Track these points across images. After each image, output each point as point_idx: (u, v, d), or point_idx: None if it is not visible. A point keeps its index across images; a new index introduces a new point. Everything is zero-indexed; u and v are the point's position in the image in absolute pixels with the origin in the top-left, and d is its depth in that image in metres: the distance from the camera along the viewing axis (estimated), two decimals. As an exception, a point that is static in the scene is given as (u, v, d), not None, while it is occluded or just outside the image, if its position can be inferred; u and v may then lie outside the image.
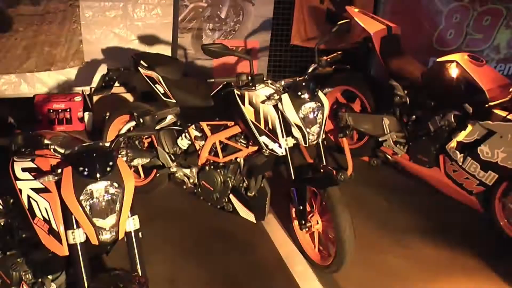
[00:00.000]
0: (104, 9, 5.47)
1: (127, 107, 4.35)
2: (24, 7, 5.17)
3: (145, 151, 4.09)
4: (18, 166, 2.49)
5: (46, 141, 2.34)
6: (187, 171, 3.98)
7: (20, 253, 2.73)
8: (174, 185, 4.24)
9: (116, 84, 4.45)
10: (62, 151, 2.35)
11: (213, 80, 3.55)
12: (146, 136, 4.11)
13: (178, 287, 3.39)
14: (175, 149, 4.09)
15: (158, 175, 4.16)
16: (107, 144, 2.41)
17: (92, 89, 5.61)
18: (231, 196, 3.85)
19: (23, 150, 2.35)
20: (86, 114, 5.48)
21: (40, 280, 2.64)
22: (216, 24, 5.89)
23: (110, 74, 4.35)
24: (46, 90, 5.65)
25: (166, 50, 5.61)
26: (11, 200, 2.77)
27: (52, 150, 2.34)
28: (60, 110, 5.36)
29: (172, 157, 4.03)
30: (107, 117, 4.63)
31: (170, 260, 3.61)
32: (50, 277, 2.63)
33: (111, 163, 2.28)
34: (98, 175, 2.24)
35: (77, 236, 2.34)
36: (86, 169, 2.23)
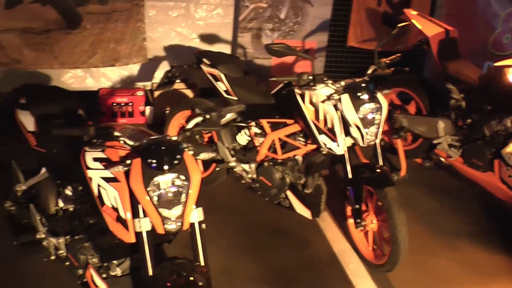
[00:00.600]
0: (167, 9, 5.56)
1: (189, 102, 4.38)
2: (92, 5, 5.31)
3: (205, 146, 4.13)
4: (89, 156, 2.55)
5: (116, 133, 2.38)
6: (245, 166, 4.00)
7: (87, 238, 2.81)
8: (232, 179, 4.28)
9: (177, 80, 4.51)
10: (131, 143, 2.40)
11: (275, 78, 3.55)
12: (206, 131, 4.14)
13: (233, 278, 3.40)
14: (234, 144, 4.11)
15: (217, 169, 4.20)
16: (174, 138, 2.43)
17: (154, 85, 5.71)
18: (288, 192, 3.85)
19: (94, 141, 2.39)
20: (148, 108, 5.56)
21: (105, 264, 2.71)
22: (276, 24, 5.90)
23: (173, 70, 4.40)
24: (110, 84, 5.78)
25: (226, 49, 5.65)
26: (80, 188, 2.85)
27: (122, 142, 2.39)
28: (123, 104, 5.45)
29: (232, 152, 4.05)
30: (167, 111, 4.68)
31: (225, 252, 3.63)
32: (115, 262, 2.68)
33: (178, 156, 2.31)
34: (166, 167, 2.27)
35: (144, 225, 2.38)
36: (155, 161, 2.27)
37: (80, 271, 2.80)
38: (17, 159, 3.49)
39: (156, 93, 5.52)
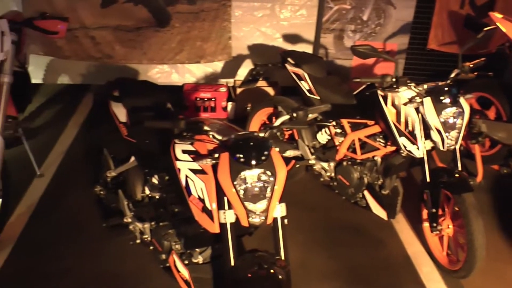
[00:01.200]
0: (253, 9, 5.58)
1: (271, 100, 4.37)
2: (182, 5, 5.42)
3: (286, 143, 4.13)
4: (178, 148, 2.58)
5: (206, 128, 2.40)
6: (324, 164, 3.96)
7: (172, 225, 2.86)
8: (310, 176, 4.24)
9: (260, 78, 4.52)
10: (220, 137, 2.40)
11: (358, 79, 3.49)
12: (288, 129, 4.13)
13: (309, 272, 3.37)
14: (314, 142, 4.08)
15: (297, 166, 4.17)
16: (261, 134, 2.42)
17: (236, 81, 5.74)
18: (365, 192, 3.79)
19: (184, 134, 2.42)
20: (229, 104, 5.60)
21: (188, 251, 2.75)
22: (358, 26, 5.81)
23: (258, 68, 4.42)
24: (194, 80, 5.88)
25: (308, 49, 5.60)
26: (167, 177, 2.90)
27: (211, 136, 2.41)
28: (206, 99, 5.51)
29: (311, 150, 4.02)
30: (248, 107, 4.69)
31: (302, 246, 3.60)
32: (197, 250, 2.72)
33: (265, 153, 2.30)
34: (253, 163, 2.26)
35: (228, 217, 2.39)
36: (243, 157, 2.27)
37: (163, 256, 2.87)
38: (109, 147, 3.60)
39: (238, 90, 5.55)
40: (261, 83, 5.35)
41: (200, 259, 2.69)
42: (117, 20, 5.43)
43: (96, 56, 5.59)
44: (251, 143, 2.32)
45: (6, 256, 3.44)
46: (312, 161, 4.01)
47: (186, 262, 2.69)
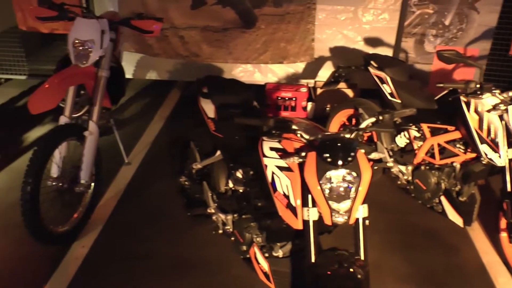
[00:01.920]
0: (336, 12, 5.52)
1: (352, 102, 4.31)
2: (268, 8, 5.45)
3: (365, 144, 4.06)
4: (266, 145, 2.59)
5: (294, 127, 2.39)
6: (402, 167, 3.87)
7: (254, 218, 2.87)
8: (387, 179, 4.15)
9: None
10: (307, 137, 2.39)
11: (442, 84, 3.39)
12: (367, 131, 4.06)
13: (383, 273, 3.31)
14: (392, 145, 3.99)
15: (374, 167, 4.10)
16: (347, 135, 2.39)
17: (317, 82, 5.71)
18: (442, 197, 3.67)
19: (273, 132, 2.42)
20: (309, 104, 5.57)
21: (269, 244, 2.74)
22: (439, 30, 5.62)
23: (340, 70, 4.38)
24: (276, 80, 5.88)
25: (388, 53, 5.50)
26: (251, 172, 2.91)
27: (298, 135, 2.39)
28: (287, 98, 5.50)
29: (390, 153, 3.94)
30: (327, 108, 4.65)
31: (377, 247, 3.53)
32: (278, 244, 2.71)
33: (352, 154, 2.27)
34: (339, 163, 2.24)
35: (311, 214, 2.37)
36: (329, 156, 2.24)
37: (244, 247, 2.89)
38: (196, 140, 3.66)
39: (319, 90, 5.51)
40: (341, 85, 5.27)
41: (280, 253, 2.68)
42: (206, 21, 5.53)
43: (184, 55, 5.71)
44: (338, 144, 2.29)
45: (96, 236, 3.59)
46: (390, 164, 3.92)
47: (266, 255, 2.70)
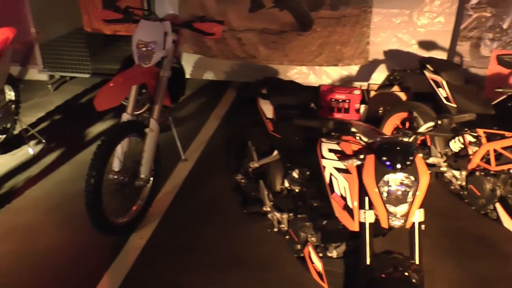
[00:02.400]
0: (392, 15, 5.41)
1: (407, 105, 4.21)
2: (325, 11, 5.40)
3: (419, 148, 3.96)
4: (325, 146, 2.54)
5: (353, 129, 2.34)
6: (456, 172, 3.75)
7: (309, 218, 2.83)
8: (439, 184, 4.03)
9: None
10: (366, 139, 2.34)
11: (501, 89, 3.27)
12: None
13: (434, 278, 3.20)
14: (446, 150, 3.87)
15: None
16: (405, 139, 2.33)
17: (370, 85, 5.61)
18: (497, 204, 3.54)
19: (332, 133, 2.38)
20: (362, 107, 5.47)
21: (323, 244, 2.70)
22: (496, 34, 5.42)
23: (395, 74, 4.29)
24: (330, 82, 5.81)
25: (442, 56, 5.35)
26: (307, 173, 2.87)
27: (357, 137, 2.35)
28: (340, 100, 5.42)
29: (443, 157, 3.83)
30: (380, 111, 4.57)
31: (429, 252, 3.39)
32: (333, 244, 2.66)
33: (411, 158, 2.20)
34: (398, 167, 2.18)
35: (368, 217, 2.32)
36: (388, 160, 2.19)
37: (299, 246, 2.86)
38: (253, 140, 3.65)
39: (372, 93, 5.42)
40: (394, 88, 5.18)
41: (334, 254, 2.64)
42: (263, 23, 5.52)
43: (241, 56, 5.72)
44: (397, 147, 2.23)
45: (153, 228, 3.64)
46: (443, 169, 3.81)
47: (321, 254, 2.66)
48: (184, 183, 4.20)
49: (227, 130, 5.22)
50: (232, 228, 3.62)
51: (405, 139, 2.32)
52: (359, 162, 2.30)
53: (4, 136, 4.66)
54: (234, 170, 3.83)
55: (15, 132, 4.85)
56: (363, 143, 2.34)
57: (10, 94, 4.71)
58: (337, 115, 5.42)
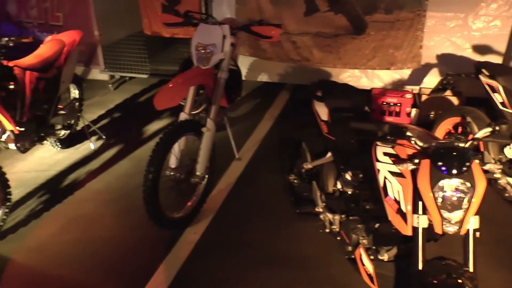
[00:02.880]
0: (446, 19, 5.27)
1: (460, 110, 4.08)
2: (379, 15, 5.30)
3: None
4: (380, 150, 2.49)
5: (408, 133, 2.29)
6: (510, 179, 3.61)
7: (361, 220, 2.78)
8: (492, 190, 3.88)
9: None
10: (421, 144, 2.28)
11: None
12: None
13: (488, 286, 3.07)
14: (500, 156, 3.73)
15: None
16: (461, 145, 2.25)
17: (421, 89, 5.48)
18: (554, 212, 3.38)
19: (387, 137, 2.33)
20: (413, 110, 5.35)
21: (374, 247, 2.65)
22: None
23: (449, 78, 4.17)
24: (381, 85, 5.71)
25: (497, 61, 5.16)
26: (360, 175, 2.82)
27: (412, 142, 2.29)
28: (392, 104, 5.30)
29: (497, 164, 3.68)
30: (431, 115, 4.45)
31: (480, 259, 3.25)
32: (384, 247, 2.60)
33: (467, 164, 2.13)
34: (454, 172, 2.11)
35: (421, 221, 2.26)
36: (444, 165, 2.12)
37: (350, 248, 2.82)
38: (307, 141, 3.62)
39: (423, 97, 5.28)
40: (446, 92, 5.05)
41: (385, 257, 2.58)
42: (318, 27, 5.48)
43: (295, 59, 5.69)
44: (453, 153, 2.16)
45: (207, 224, 3.67)
46: (497, 175, 3.64)
47: (372, 257, 2.60)
48: (238, 182, 4.21)
49: (280, 131, 5.20)
50: (284, 227, 3.61)
51: (461, 145, 2.25)
52: (413, 166, 2.24)
53: (68, 131, 4.79)
54: (287, 170, 3.81)
55: (78, 128, 4.99)
56: (418, 148, 2.29)
57: (74, 93, 4.85)
58: (388, 118, 5.32)
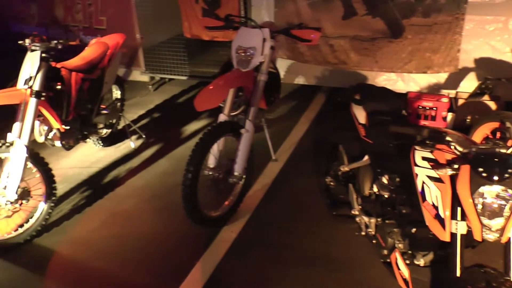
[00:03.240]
0: (485, 23, 5.13)
1: (499, 115, 3.97)
2: (416, 18, 5.21)
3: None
4: (418, 154, 2.44)
5: (448, 138, 2.24)
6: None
7: (397, 224, 2.72)
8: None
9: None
10: (461, 149, 2.22)
11: None
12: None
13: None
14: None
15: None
16: (503, 150, 2.18)
17: (458, 93, 5.37)
18: None
19: (426, 142, 2.28)
20: (449, 115, 5.24)
21: (410, 252, 2.59)
22: None
23: (487, 82, 4.07)
24: (417, 89, 5.61)
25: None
26: (397, 179, 2.77)
27: (452, 147, 2.23)
28: (427, 108, 5.21)
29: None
30: (468, 120, 4.35)
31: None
32: (421, 252, 2.55)
33: (509, 170, 2.05)
34: (495, 178, 2.05)
35: (460, 228, 2.20)
36: (485, 171, 2.06)
37: (385, 252, 2.76)
38: (344, 144, 3.59)
39: (460, 101, 5.17)
40: (483, 97, 4.93)
41: (422, 262, 2.52)
42: (355, 30, 5.43)
43: (332, 62, 5.65)
44: (495, 159, 2.09)
45: (244, 223, 3.67)
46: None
47: (408, 262, 2.55)
48: (274, 182, 4.20)
49: (316, 133, 5.17)
50: (319, 228, 3.59)
51: (503, 150, 2.18)
52: (453, 172, 2.18)
53: (110, 130, 4.87)
54: (323, 172, 3.78)
55: (119, 127, 5.07)
56: (458, 153, 2.22)
57: (117, 93, 4.93)
58: (423, 122, 5.23)
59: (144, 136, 5.08)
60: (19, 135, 3.37)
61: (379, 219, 2.90)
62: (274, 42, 3.73)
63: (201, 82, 6.45)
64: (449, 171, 2.19)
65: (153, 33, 6.49)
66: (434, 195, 2.29)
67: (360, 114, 3.20)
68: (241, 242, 3.47)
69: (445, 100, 5.18)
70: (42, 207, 3.55)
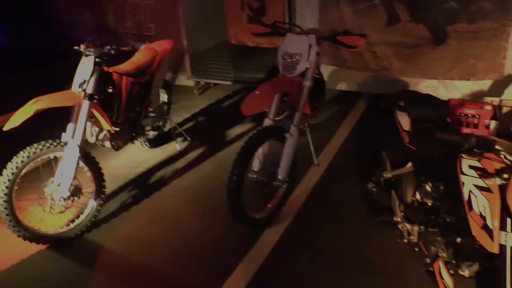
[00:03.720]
0: (533, 29, 4.93)
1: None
2: (461, 24, 5.03)
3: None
4: (465, 162, 2.36)
5: (497, 146, 2.15)
6: None
7: (441, 233, 2.64)
8: None
9: None
10: (511, 158, 2.13)
11: None
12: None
13: None
14: None
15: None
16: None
17: (502, 101, 5.18)
18: None
19: (474, 150, 2.20)
20: (493, 123, 5.06)
21: (454, 261, 2.50)
22: None
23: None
24: (460, 96, 5.44)
25: None
26: (441, 187, 2.69)
27: (501, 156, 2.14)
28: (470, 115, 5.06)
29: None
30: (512, 129, 4.17)
31: None
32: (466, 263, 2.46)
33: None
34: None
35: (510, 240, 2.11)
36: None
37: (428, 260, 2.68)
38: (388, 150, 3.51)
39: (504, 109, 5.00)
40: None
41: (466, 272, 2.43)
42: (398, 37, 5.31)
43: (375, 68, 5.55)
44: None
45: (286, 226, 3.64)
46: None
47: (452, 271, 2.47)
48: (316, 187, 4.15)
49: (358, 138, 5.08)
50: (361, 233, 3.52)
51: None
52: (502, 182, 2.10)
53: (157, 132, 4.92)
54: (365, 177, 3.71)
55: (166, 129, 5.11)
56: (508, 162, 2.14)
57: (164, 97, 4.98)
58: (465, 130, 5.08)
59: (189, 139, 5.11)
60: (72, 136, 3.46)
61: (422, 227, 2.82)
62: (319, 48, 3.68)
63: (245, 87, 6.45)
64: (498, 181, 2.10)
65: (199, 40, 6.53)
66: (482, 205, 2.21)
67: (404, 121, 3.13)
68: (283, 245, 3.44)
69: (488, 107, 5.00)
70: (92, 204, 3.63)
